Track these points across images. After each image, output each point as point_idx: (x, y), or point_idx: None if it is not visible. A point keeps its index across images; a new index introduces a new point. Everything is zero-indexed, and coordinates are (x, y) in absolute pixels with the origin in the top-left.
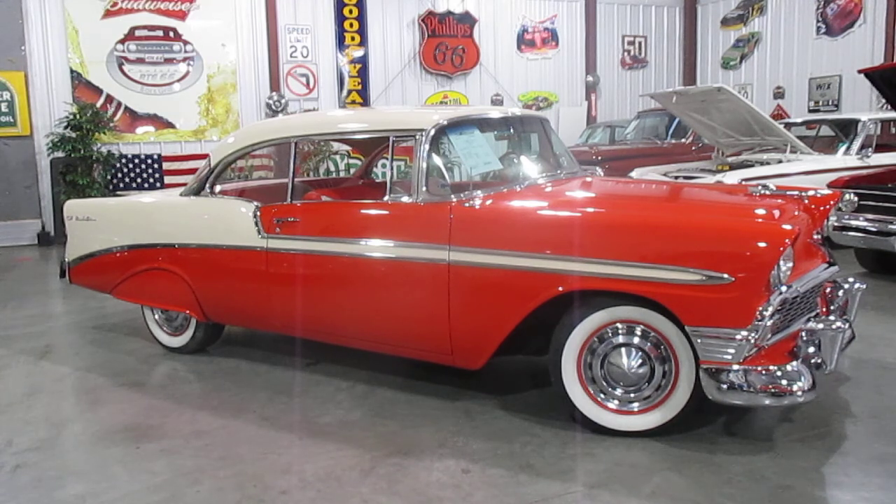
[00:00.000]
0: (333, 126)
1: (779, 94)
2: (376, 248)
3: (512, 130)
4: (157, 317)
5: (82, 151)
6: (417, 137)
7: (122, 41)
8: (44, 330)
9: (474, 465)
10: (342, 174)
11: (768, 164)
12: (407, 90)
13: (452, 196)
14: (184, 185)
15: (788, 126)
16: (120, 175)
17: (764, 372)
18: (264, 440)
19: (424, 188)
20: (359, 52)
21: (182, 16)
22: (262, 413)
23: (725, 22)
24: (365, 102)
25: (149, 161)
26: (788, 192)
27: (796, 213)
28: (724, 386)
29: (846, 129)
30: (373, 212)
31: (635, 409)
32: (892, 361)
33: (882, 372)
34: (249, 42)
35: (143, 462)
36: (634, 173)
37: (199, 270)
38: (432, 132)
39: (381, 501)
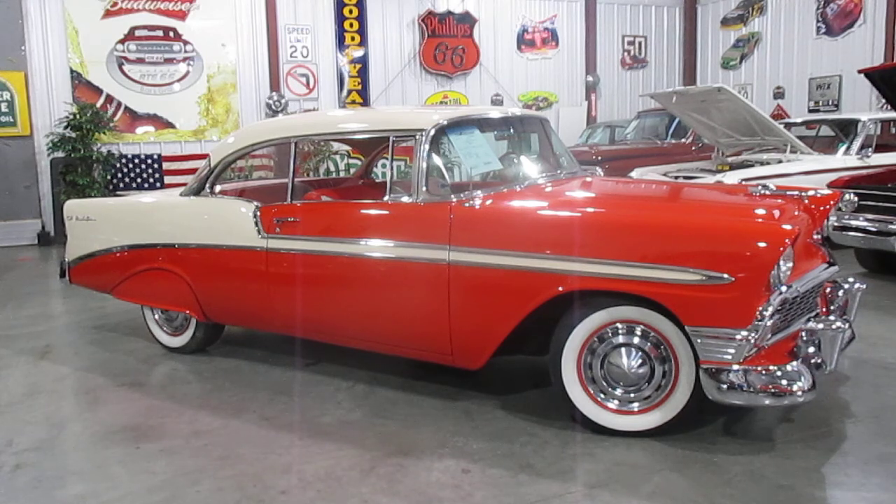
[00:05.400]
0: (333, 126)
1: (779, 94)
2: (376, 248)
3: (512, 130)
4: (157, 317)
5: (82, 151)
6: (417, 137)
7: (122, 41)
8: (44, 330)
9: (474, 465)
10: (342, 174)
11: (768, 164)
12: (407, 90)
13: (452, 196)
14: (184, 185)
15: (788, 126)
16: (120, 175)
17: (764, 372)
18: (264, 440)
19: (424, 188)
20: (359, 52)
21: (182, 16)
22: (262, 413)
23: (725, 22)
24: (365, 102)
25: (149, 161)
26: (788, 192)
27: (796, 213)
28: (724, 386)
29: (846, 129)
30: (373, 212)
31: (635, 409)
32: (892, 361)
33: (882, 372)
34: (249, 42)
35: (143, 462)
36: (634, 173)
37: (199, 270)
38: (432, 132)
39: (381, 501)
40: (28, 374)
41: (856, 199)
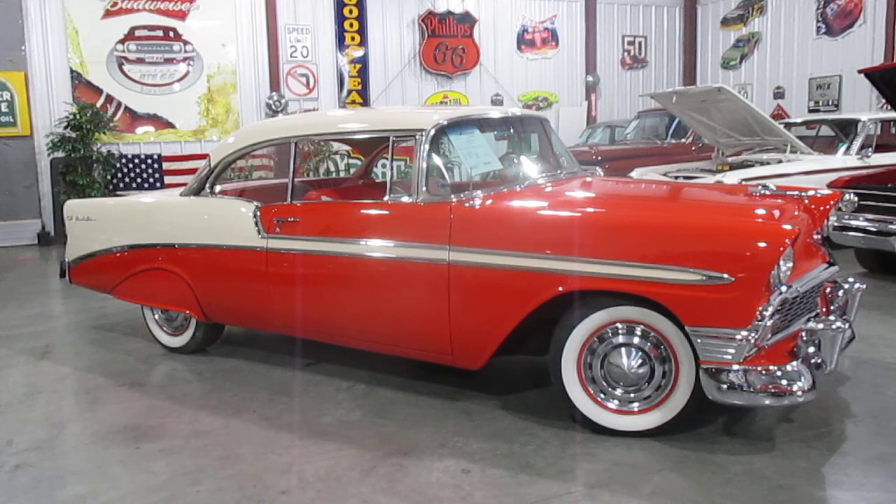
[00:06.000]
0: (333, 126)
1: (779, 94)
2: (376, 248)
3: (512, 130)
4: (157, 317)
5: (82, 151)
6: (417, 137)
7: (122, 41)
8: (44, 330)
9: (474, 465)
10: (342, 174)
11: (768, 164)
12: (407, 90)
13: (452, 196)
14: (184, 185)
15: (788, 126)
16: (120, 175)
17: (764, 372)
18: (264, 440)
19: (424, 188)
20: (359, 52)
21: (182, 16)
22: (262, 413)
23: (725, 22)
24: (365, 102)
25: (149, 161)
26: (788, 192)
27: (796, 213)
28: (724, 386)
29: (846, 129)
30: (373, 212)
31: (635, 409)
32: (892, 361)
33: (882, 372)
34: (249, 42)
35: (143, 462)
36: (634, 173)
37: (199, 270)
38: (432, 132)
39: (381, 501)
40: (28, 374)
41: (856, 199)
